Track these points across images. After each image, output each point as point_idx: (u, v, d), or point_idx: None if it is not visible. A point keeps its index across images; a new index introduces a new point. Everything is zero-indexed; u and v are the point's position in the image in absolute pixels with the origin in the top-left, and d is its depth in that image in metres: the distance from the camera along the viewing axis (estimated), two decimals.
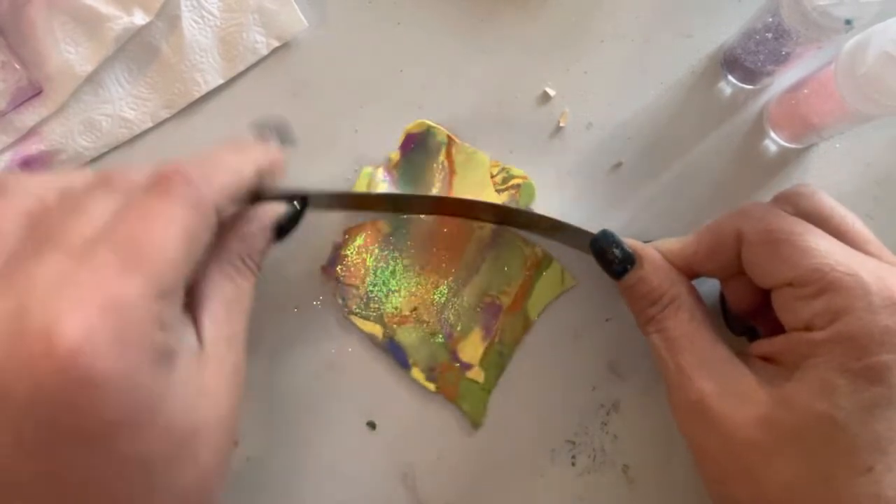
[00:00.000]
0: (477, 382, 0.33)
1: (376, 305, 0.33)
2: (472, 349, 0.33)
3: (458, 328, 0.33)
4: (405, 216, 0.34)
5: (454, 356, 0.33)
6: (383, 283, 0.33)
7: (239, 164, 0.26)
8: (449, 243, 0.34)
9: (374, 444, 0.33)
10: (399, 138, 0.34)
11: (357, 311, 0.33)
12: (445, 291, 0.33)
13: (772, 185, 0.34)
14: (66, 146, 0.33)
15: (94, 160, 0.34)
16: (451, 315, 0.33)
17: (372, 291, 0.33)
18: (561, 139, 0.34)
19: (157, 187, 0.22)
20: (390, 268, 0.33)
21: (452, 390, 0.33)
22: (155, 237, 0.21)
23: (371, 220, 0.34)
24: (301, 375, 0.33)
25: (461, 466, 0.34)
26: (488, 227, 0.34)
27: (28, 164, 0.33)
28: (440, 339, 0.33)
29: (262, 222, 0.27)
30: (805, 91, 0.31)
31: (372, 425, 0.34)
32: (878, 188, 0.35)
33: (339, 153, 0.34)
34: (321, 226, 0.34)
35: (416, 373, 0.33)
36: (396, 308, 0.33)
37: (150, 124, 0.34)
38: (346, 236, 0.34)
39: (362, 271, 0.33)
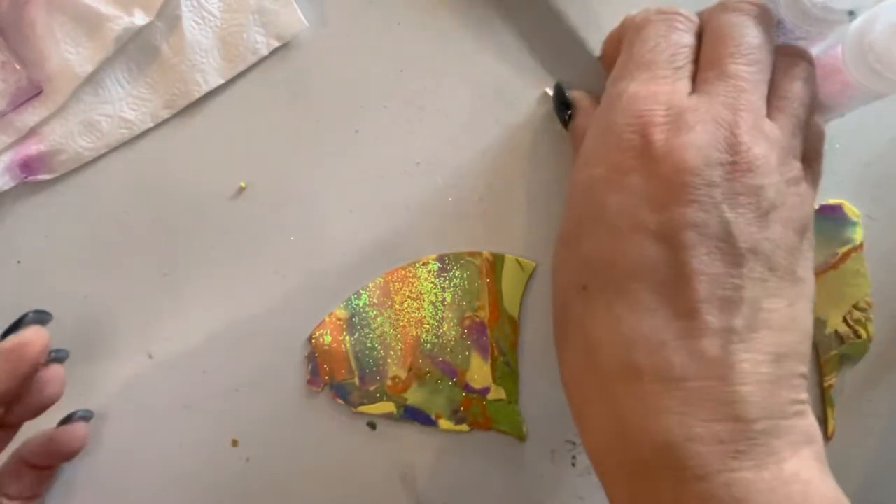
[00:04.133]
0: (501, 400, 0.33)
1: (376, 384, 0.33)
2: (480, 374, 0.33)
3: (458, 361, 0.33)
4: (351, 294, 0.33)
5: (468, 389, 0.33)
6: (369, 360, 0.33)
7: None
8: (407, 292, 0.33)
9: (374, 444, 0.34)
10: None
11: (362, 400, 0.33)
12: (428, 336, 0.33)
13: None
14: (66, 146, 0.33)
15: (94, 160, 0.34)
16: (445, 354, 0.33)
17: (364, 374, 0.33)
18: (561, 139, 0.35)
19: None
20: (368, 343, 0.33)
21: (485, 420, 0.33)
22: None
23: (325, 313, 0.33)
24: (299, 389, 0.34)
25: (461, 466, 0.34)
26: (432, 259, 0.33)
27: (28, 164, 0.33)
28: (448, 381, 0.33)
29: None
30: None
31: (372, 425, 0.34)
32: (877, 188, 0.35)
33: (339, 154, 0.34)
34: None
35: (444, 423, 0.33)
36: (394, 377, 0.33)
37: (151, 124, 0.34)
38: (313, 342, 0.33)
39: (345, 362, 0.33)
